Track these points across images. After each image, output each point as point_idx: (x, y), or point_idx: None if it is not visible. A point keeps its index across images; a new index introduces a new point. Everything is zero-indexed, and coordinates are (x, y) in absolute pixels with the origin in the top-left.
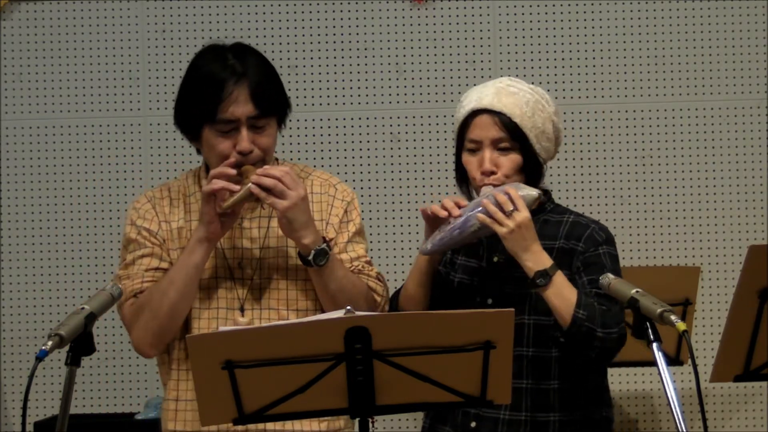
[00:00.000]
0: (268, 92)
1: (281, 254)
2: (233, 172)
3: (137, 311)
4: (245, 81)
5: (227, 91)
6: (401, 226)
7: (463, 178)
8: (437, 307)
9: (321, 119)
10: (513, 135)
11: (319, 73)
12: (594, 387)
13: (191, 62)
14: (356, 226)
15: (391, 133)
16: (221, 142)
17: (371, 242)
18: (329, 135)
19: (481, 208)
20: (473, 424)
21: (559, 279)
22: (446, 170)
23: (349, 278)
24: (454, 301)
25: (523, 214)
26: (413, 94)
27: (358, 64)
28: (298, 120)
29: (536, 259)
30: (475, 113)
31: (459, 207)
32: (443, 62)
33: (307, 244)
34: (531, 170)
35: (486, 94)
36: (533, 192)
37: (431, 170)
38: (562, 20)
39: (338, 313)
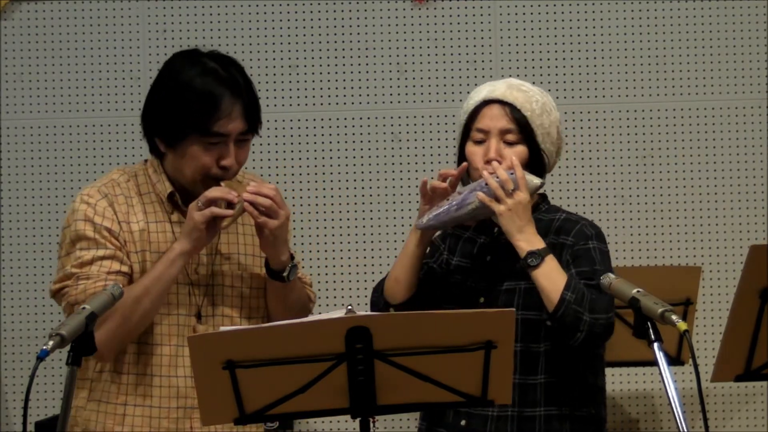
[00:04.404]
0: (257, 109)
1: (232, 261)
2: (234, 197)
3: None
4: (240, 97)
5: (225, 106)
6: (401, 226)
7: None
8: (434, 308)
9: (321, 119)
10: (521, 128)
11: (320, 73)
12: (584, 384)
13: (170, 70)
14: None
15: (391, 133)
16: (206, 155)
17: (371, 242)
18: (329, 135)
19: (481, 186)
20: (463, 423)
21: (551, 262)
22: None
23: (300, 288)
24: (451, 302)
25: (523, 195)
26: (414, 94)
27: (359, 64)
28: (298, 120)
29: (529, 239)
30: (486, 103)
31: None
32: (444, 62)
33: (284, 260)
34: (535, 167)
35: (498, 87)
36: (536, 180)
37: (431, 170)
38: (562, 20)
39: (339, 313)
